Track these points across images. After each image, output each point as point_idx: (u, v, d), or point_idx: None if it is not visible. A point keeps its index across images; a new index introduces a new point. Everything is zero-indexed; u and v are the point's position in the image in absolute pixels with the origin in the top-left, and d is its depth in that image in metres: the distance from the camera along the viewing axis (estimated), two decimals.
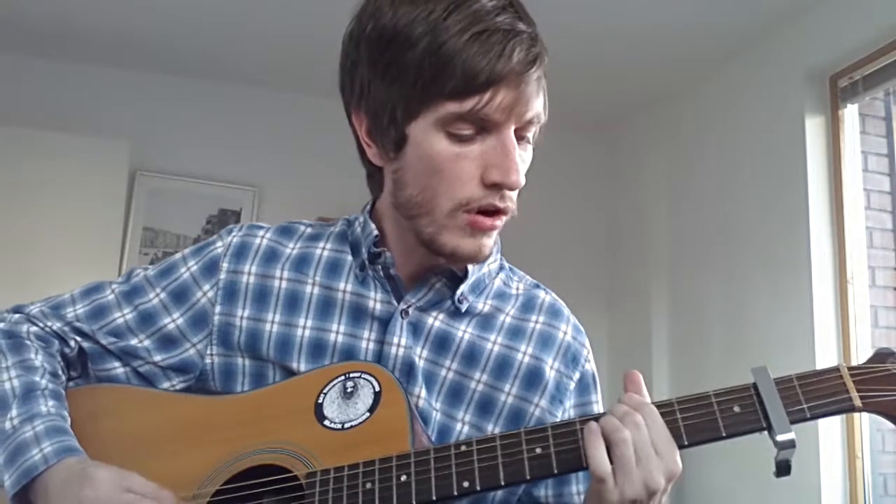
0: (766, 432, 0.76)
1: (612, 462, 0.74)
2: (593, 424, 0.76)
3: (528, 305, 0.97)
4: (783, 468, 0.75)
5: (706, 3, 2.67)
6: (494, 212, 0.84)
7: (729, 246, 3.02)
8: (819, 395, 0.76)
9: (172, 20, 3.00)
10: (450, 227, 0.84)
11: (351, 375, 0.84)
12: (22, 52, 3.25)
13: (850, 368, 0.77)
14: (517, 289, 0.99)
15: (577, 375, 0.95)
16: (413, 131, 0.83)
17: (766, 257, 2.81)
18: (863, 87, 2.58)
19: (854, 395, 0.75)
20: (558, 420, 0.92)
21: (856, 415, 2.44)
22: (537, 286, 1.01)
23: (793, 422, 0.75)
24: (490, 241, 0.87)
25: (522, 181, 0.84)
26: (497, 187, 0.82)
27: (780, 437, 0.74)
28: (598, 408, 0.96)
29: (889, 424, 2.60)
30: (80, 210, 3.21)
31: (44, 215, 3.15)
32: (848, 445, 2.46)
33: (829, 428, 2.47)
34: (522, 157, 0.85)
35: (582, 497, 0.93)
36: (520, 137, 0.84)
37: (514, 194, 0.85)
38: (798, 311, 2.61)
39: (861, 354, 2.50)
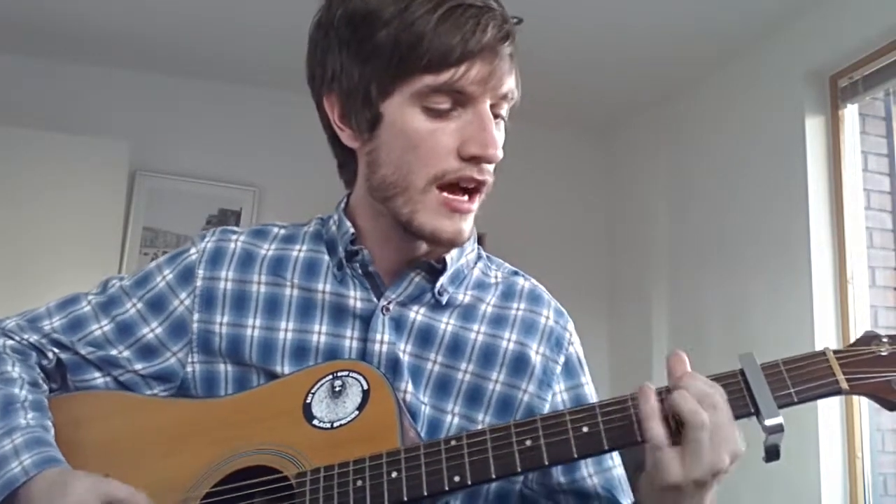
0: (754, 417, 0.76)
1: (682, 444, 0.72)
2: (653, 402, 0.74)
3: (508, 293, 0.97)
4: (772, 453, 0.76)
5: (706, 3, 2.67)
6: (472, 189, 0.85)
7: (729, 246, 3.01)
8: (806, 378, 0.76)
9: (172, 20, 3.00)
10: (426, 206, 0.84)
11: (338, 374, 0.84)
12: (22, 52, 3.25)
13: (836, 352, 0.78)
14: (496, 277, 0.99)
15: (562, 359, 0.95)
16: (388, 109, 0.84)
17: (766, 257, 2.80)
18: (863, 87, 2.57)
19: (840, 377, 0.76)
20: (548, 404, 0.92)
21: (856, 415, 2.44)
22: (515, 273, 1.01)
23: (780, 406, 0.75)
24: (468, 226, 0.87)
25: (500, 154, 0.84)
26: (475, 160, 0.83)
27: (767, 422, 0.74)
28: (588, 389, 0.96)
29: (889, 425, 2.56)
30: (80, 210, 3.21)
31: (44, 215, 3.14)
32: (848, 445, 2.45)
33: (830, 428, 2.46)
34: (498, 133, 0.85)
35: (594, 479, 0.92)
36: (494, 115, 0.85)
37: (491, 167, 0.85)
38: (798, 311, 2.60)
39: None
